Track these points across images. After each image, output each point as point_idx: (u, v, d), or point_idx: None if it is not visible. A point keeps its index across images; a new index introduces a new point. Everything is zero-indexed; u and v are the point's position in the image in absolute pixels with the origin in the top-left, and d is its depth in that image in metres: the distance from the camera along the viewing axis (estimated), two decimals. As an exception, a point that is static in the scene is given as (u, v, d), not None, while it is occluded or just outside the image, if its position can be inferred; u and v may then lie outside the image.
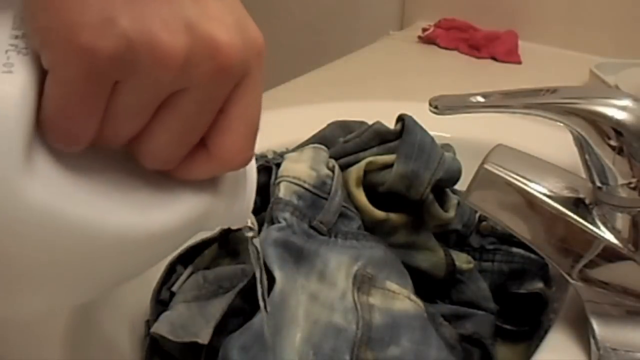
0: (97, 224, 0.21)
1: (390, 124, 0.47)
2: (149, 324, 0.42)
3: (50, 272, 0.21)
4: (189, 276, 0.45)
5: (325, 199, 0.43)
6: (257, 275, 0.33)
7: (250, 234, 0.31)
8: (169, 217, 0.23)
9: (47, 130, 0.20)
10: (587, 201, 0.36)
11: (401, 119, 0.46)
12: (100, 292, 0.25)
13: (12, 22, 0.20)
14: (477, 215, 0.50)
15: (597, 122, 0.32)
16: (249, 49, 0.22)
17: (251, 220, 0.30)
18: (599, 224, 0.35)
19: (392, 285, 0.40)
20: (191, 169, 0.23)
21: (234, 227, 0.28)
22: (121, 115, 0.20)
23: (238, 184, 0.26)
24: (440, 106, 0.34)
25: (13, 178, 0.19)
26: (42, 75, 0.19)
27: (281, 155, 0.48)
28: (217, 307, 0.40)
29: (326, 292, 0.38)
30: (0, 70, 0.19)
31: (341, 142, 0.48)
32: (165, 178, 0.23)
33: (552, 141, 0.50)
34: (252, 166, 0.26)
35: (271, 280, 0.37)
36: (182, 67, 0.20)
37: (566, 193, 0.36)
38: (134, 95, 0.20)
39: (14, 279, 0.21)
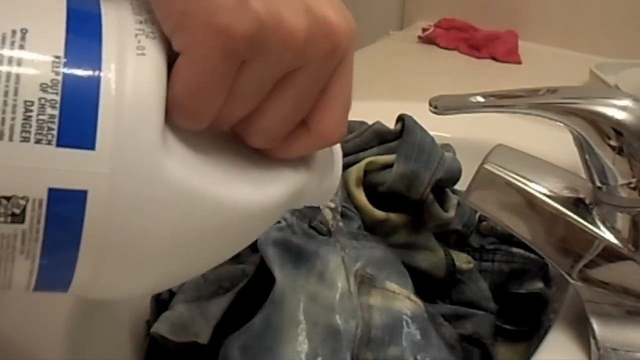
0: (225, 199, 0.22)
1: (390, 124, 0.47)
2: (149, 324, 0.42)
3: (180, 246, 0.22)
4: (189, 276, 0.45)
5: (325, 199, 0.43)
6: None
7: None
8: (276, 193, 0.24)
9: (175, 109, 0.21)
10: (587, 201, 0.36)
11: (401, 119, 0.46)
12: (217, 264, 0.26)
13: (131, 8, 0.21)
14: (477, 215, 0.50)
15: (597, 122, 0.32)
16: (350, 30, 0.23)
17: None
18: (599, 224, 0.35)
19: (392, 286, 0.40)
20: (292, 147, 0.24)
21: (320, 204, 0.29)
22: (242, 94, 0.21)
23: (328, 161, 0.27)
24: (440, 106, 0.34)
25: (154, 155, 0.20)
26: (168, 58, 0.20)
27: (281, 155, 0.47)
28: (217, 307, 0.40)
29: (325, 293, 0.38)
30: (135, 53, 0.20)
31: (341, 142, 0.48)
32: (264, 157, 0.24)
33: (552, 141, 0.50)
34: (338, 145, 0.28)
35: (271, 280, 0.37)
36: (303, 47, 0.21)
37: (566, 193, 0.36)
38: (257, 74, 0.21)
39: (145, 255, 0.21)
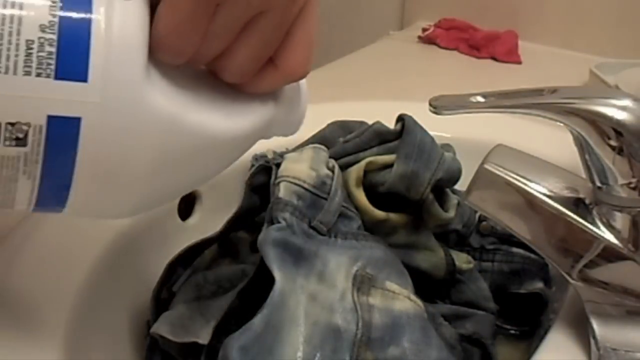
0: (201, 126, 0.25)
1: (390, 124, 0.47)
2: (149, 324, 0.42)
3: (161, 167, 0.25)
4: (189, 276, 0.45)
5: (325, 199, 0.43)
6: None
7: None
8: (246, 123, 0.27)
9: (157, 45, 0.24)
10: (587, 201, 0.36)
11: (401, 119, 0.46)
12: (193, 187, 0.30)
13: None
14: (477, 215, 0.50)
15: (597, 122, 0.32)
16: None
17: None
18: (599, 224, 0.35)
19: (392, 286, 0.40)
20: (261, 82, 0.27)
21: (288, 135, 0.32)
22: (216, 34, 0.24)
23: (295, 96, 0.31)
24: (440, 106, 0.34)
25: (139, 86, 0.23)
26: (152, 2, 0.23)
27: (281, 155, 0.48)
28: (217, 307, 0.40)
29: (325, 293, 0.38)
30: None
31: (341, 142, 0.48)
32: (236, 92, 0.27)
33: (552, 141, 0.50)
34: (304, 81, 0.31)
35: (271, 280, 0.37)
36: None
37: (566, 193, 0.36)
38: (228, 16, 0.24)
39: (131, 176, 0.24)
